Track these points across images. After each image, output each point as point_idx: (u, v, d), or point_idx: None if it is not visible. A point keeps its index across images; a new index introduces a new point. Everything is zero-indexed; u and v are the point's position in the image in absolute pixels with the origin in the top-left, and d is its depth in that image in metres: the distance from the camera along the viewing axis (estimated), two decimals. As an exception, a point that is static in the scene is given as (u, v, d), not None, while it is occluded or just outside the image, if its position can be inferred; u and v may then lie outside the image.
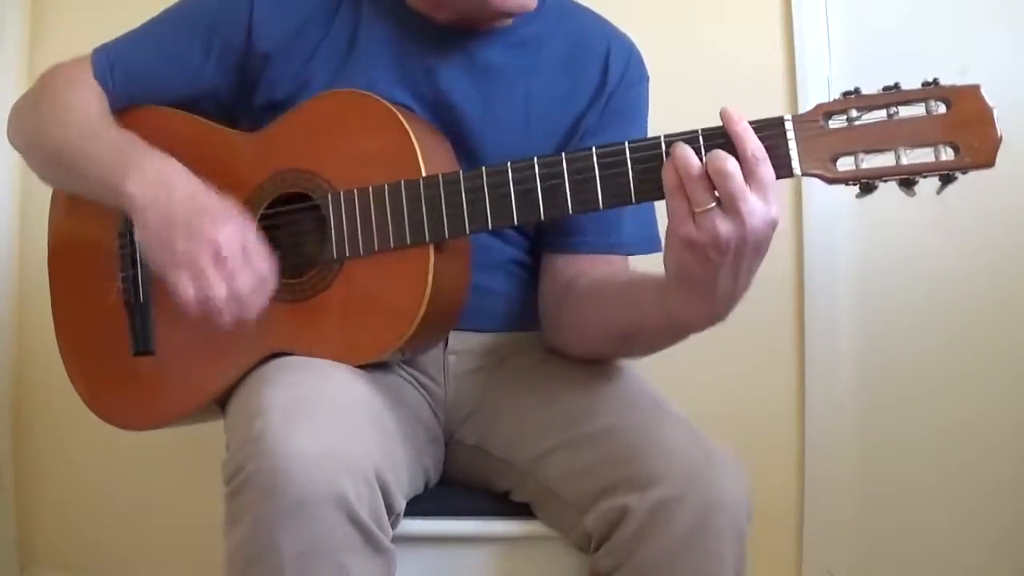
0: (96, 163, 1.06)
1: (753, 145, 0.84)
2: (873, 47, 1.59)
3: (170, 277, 0.96)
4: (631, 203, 0.92)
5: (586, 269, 1.10)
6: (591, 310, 1.06)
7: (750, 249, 0.85)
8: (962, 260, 1.57)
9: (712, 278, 0.86)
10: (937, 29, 1.57)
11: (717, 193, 0.84)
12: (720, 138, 0.86)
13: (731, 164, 0.83)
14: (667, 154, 0.88)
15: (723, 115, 0.86)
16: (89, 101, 1.12)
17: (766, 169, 0.84)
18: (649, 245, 1.15)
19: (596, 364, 1.09)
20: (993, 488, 1.57)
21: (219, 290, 0.94)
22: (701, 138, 0.87)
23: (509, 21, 1.12)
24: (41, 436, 1.82)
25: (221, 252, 0.95)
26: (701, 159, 0.85)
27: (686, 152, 0.86)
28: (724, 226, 0.83)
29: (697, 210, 0.84)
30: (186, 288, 0.95)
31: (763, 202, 0.84)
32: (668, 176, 0.86)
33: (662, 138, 0.89)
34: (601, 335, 1.06)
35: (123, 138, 1.07)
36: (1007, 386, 1.56)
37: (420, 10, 1.11)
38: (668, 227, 0.87)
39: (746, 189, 0.83)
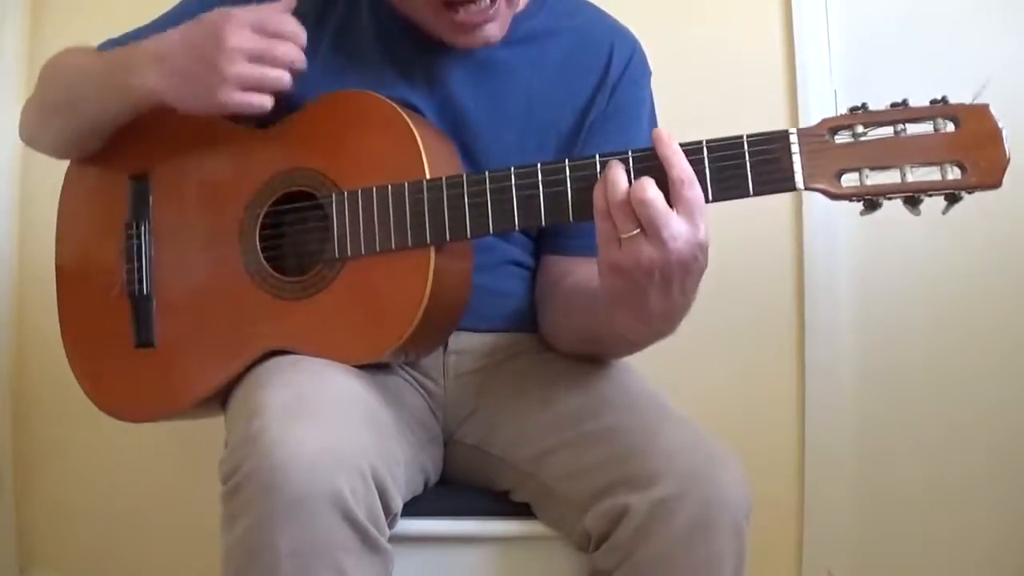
0: (97, 77, 1.09)
1: (679, 169, 0.86)
2: (873, 47, 1.59)
3: (217, 100, 0.99)
4: None
5: (571, 270, 1.10)
6: (564, 312, 1.09)
7: (677, 272, 0.86)
8: (962, 261, 1.57)
9: (642, 299, 0.88)
10: (937, 30, 1.57)
11: (640, 220, 0.85)
12: (652, 159, 0.88)
13: (650, 192, 0.85)
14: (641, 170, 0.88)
15: (654, 137, 0.88)
16: (89, 54, 1.15)
17: (692, 192, 0.85)
18: None
19: (596, 364, 1.09)
20: (993, 488, 1.57)
21: (274, 75, 0.99)
22: (631, 160, 0.89)
23: None
24: (41, 437, 1.82)
25: (243, 47, 0.98)
26: (631, 181, 0.87)
27: (615, 177, 0.87)
28: (647, 251, 0.85)
29: (622, 236, 0.86)
30: (244, 98, 0.99)
31: (688, 225, 0.85)
32: (597, 199, 0.89)
33: (630, 152, 0.90)
34: (571, 337, 1.09)
35: (117, 52, 1.10)
36: (1007, 386, 1.56)
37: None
38: (598, 249, 0.89)
39: (668, 215, 0.84)
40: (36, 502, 1.83)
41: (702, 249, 0.86)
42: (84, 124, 1.13)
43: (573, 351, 1.10)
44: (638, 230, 0.85)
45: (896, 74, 1.53)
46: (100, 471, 1.77)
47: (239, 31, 0.99)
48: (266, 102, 1.01)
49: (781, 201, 1.61)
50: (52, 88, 1.16)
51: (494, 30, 1.06)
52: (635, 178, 0.87)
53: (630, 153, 0.89)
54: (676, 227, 0.84)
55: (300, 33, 1.02)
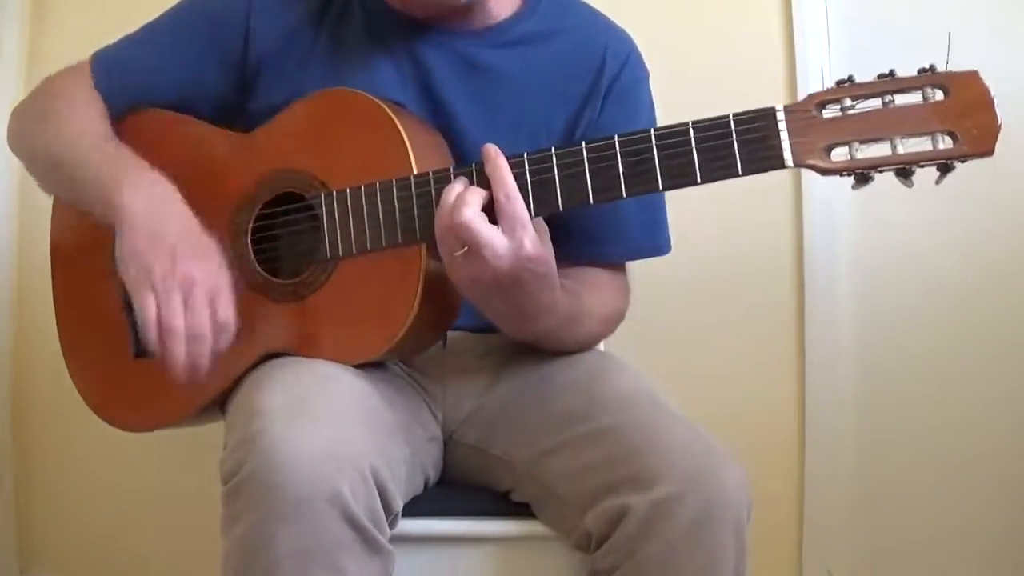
0: (94, 174, 1.06)
1: (501, 186, 0.91)
2: (872, 35, 1.59)
3: (138, 293, 0.97)
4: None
5: None
6: None
7: (508, 281, 0.92)
8: (962, 258, 1.57)
9: (488, 305, 0.97)
10: (937, 17, 1.57)
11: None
12: (482, 173, 0.93)
13: (466, 213, 0.90)
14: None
15: (482, 154, 0.94)
16: (89, 113, 1.13)
17: (514, 207, 0.91)
18: (634, 251, 1.17)
19: (596, 364, 1.09)
20: (993, 488, 1.57)
21: (178, 322, 0.95)
22: (475, 173, 0.95)
23: (499, 19, 1.12)
24: (41, 437, 1.82)
25: (193, 288, 0.96)
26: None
27: (445, 199, 0.93)
28: (473, 268, 0.92)
29: (455, 254, 0.92)
30: (149, 309, 0.96)
31: (509, 239, 0.91)
32: (436, 221, 0.94)
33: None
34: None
35: (122, 153, 1.08)
36: (1007, 385, 1.56)
37: (402, 10, 1.10)
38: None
39: (487, 235, 0.90)
40: (36, 502, 1.82)
41: (530, 261, 0.92)
42: (69, 196, 1.14)
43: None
44: (465, 248, 0.91)
45: (896, 62, 1.53)
46: (100, 471, 1.77)
47: (206, 280, 0.96)
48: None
49: (780, 195, 1.61)
50: (48, 147, 1.13)
51: None
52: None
53: (473, 167, 0.95)
54: (498, 245, 0.90)
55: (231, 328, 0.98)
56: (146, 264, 0.97)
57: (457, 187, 0.94)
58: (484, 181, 0.94)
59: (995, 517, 1.56)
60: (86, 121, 1.12)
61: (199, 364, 0.96)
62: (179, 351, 0.95)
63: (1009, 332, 1.56)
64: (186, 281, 0.96)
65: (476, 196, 0.92)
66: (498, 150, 0.94)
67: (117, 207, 1.01)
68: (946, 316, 1.58)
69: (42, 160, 1.15)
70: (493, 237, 0.90)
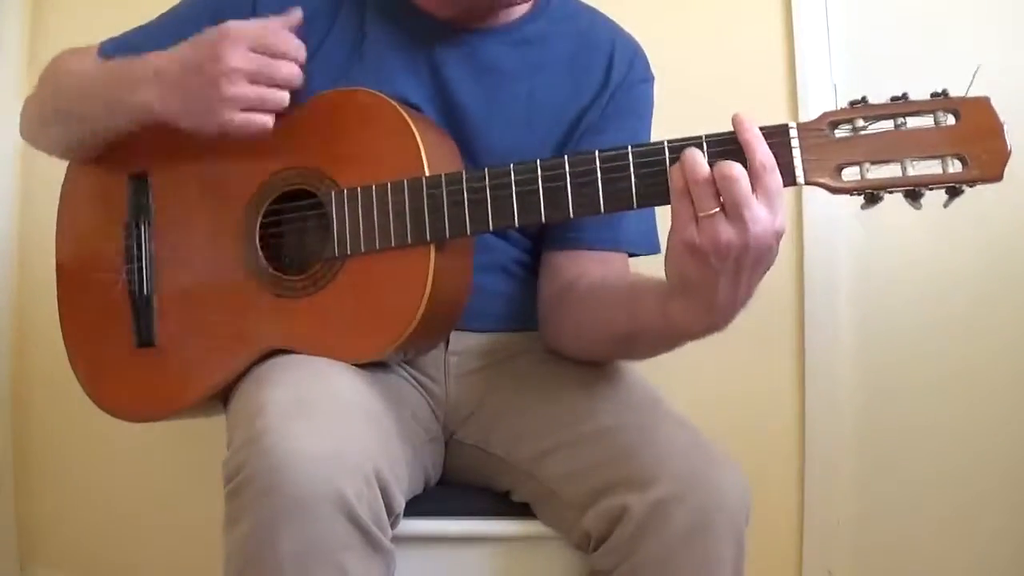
0: (97, 91, 1.08)
1: (762, 153, 0.84)
2: (873, 45, 1.59)
3: (218, 118, 0.99)
4: (632, 207, 0.92)
5: (587, 270, 1.10)
6: (590, 312, 1.06)
7: (751, 258, 0.84)
8: (962, 260, 1.57)
9: (712, 284, 0.86)
10: (938, 27, 1.57)
11: (722, 199, 0.84)
12: (730, 144, 0.86)
13: (738, 170, 0.83)
14: (671, 160, 0.88)
15: (735, 121, 0.86)
16: (90, 60, 1.14)
17: (773, 178, 0.84)
18: (649, 245, 1.15)
19: (596, 365, 1.09)
20: (993, 488, 1.56)
21: (273, 96, 1.00)
22: (705, 144, 0.87)
23: (512, 18, 1.12)
24: (41, 436, 1.82)
25: (248, 71, 0.98)
26: (708, 164, 0.85)
27: (695, 156, 0.85)
28: (727, 232, 0.83)
29: (701, 214, 0.84)
30: (244, 117, 0.99)
31: (768, 211, 0.83)
32: (675, 179, 0.86)
33: (665, 143, 0.89)
34: (599, 337, 1.05)
35: (119, 61, 1.09)
36: (1007, 386, 1.56)
37: (423, 7, 1.11)
38: (671, 231, 0.87)
39: (751, 196, 0.83)
40: (36, 502, 1.83)
41: (778, 237, 0.85)
42: (83, 134, 1.14)
43: (590, 352, 1.08)
44: (718, 209, 0.83)
45: (896, 69, 1.53)
46: (100, 471, 1.77)
47: (238, 50, 0.99)
48: (267, 122, 1.01)
49: (785, 204, 1.61)
50: (52, 96, 1.16)
51: None
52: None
53: (704, 137, 0.88)
54: (758, 210, 0.83)
55: (300, 51, 1.03)
56: (194, 107, 1.01)
57: (697, 149, 0.86)
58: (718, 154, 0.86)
59: (995, 518, 1.56)
60: (84, 63, 1.14)
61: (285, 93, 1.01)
62: (282, 99, 1.01)
63: (1009, 333, 1.56)
64: (233, 71, 0.98)
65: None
66: (750, 118, 0.86)
67: (145, 109, 1.04)
68: (945, 318, 1.58)
69: (49, 114, 1.17)
70: (755, 200, 0.83)
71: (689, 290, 0.88)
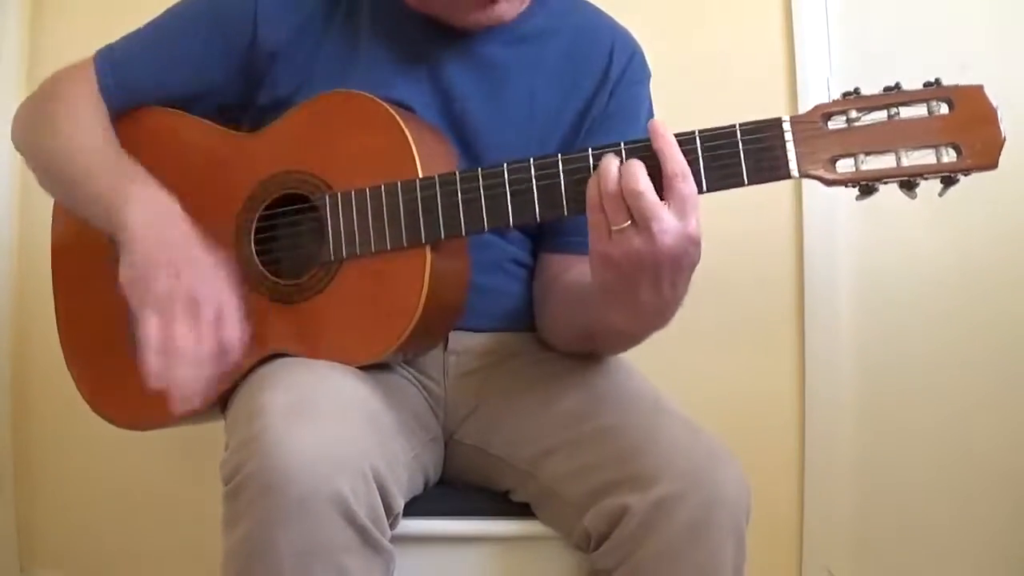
0: (95, 190, 1.06)
1: (673, 162, 0.85)
2: (873, 46, 1.59)
3: (141, 314, 0.95)
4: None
5: (567, 267, 1.10)
6: (561, 308, 1.08)
7: (667, 266, 0.86)
8: (962, 259, 1.57)
9: (633, 291, 0.88)
10: (938, 27, 1.57)
11: (631, 213, 0.85)
12: (646, 151, 0.87)
13: (642, 183, 0.85)
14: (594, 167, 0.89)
15: (650, 129, 0.88)
16: (92, 123, 1.12)
17: (686, 186, 0.85)
18: None
19: (596, 363, 1.09)
20: (992, 487, 1.57)
21: (183, 342, 0.92)
22: (624, 152, 0.89)
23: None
24: (41, 437, 1.82)
25: (198, 308, 0.94)
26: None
27: (608, 168, 0.87)
28: (638, 243, 0.85)
29: (613, 228, 0.86)
30: (150, 330, 0.93)
31: (678, 219, 0.84)
32: (590, 191, 0.88)
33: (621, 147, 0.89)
34: (568, 333, 1.08)
35: (123, 165, 1.07)
36: (1006, 385, 1.56)
37: (417, 8, 1.10)
38: (589, 241, 0.89)
39: (659, 207, 0.84)
40: (36, 502, 1.83)
41: (693, 243, 0.86)
42: (70, 202, 1.13)
43: (570, 348, 1.10)
44: (629, 222, 0.85)
45: (897, 66, 1.53)
46: (100, 471, 1.77)
47: (211, 299, 0.95)
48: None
49: (781, 197, 1.62)
50: (52, 151, 1.13)
51: (507, 8, 1.06)
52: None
53: (623, 145, 0.89)
54: (666, 220, 0.84)
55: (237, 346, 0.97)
56: (149, 284, 0.95)
57: (615, 160, 0.88)
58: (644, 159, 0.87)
59: (995, 517, 1.56)
60: (88, 133, 1.11)
61: (198, 389, 0.93)
62: (180, 375, 0.92)
63: (1009, 332, 1.56)
64: (190, 300, 0.94)
65: (641, 168, 0.86)
66: (666, 125, 0.88)
67: (119, 226, 1.00)
68: (945, 318, 1.58)
69: (44, 168, 1.15)
70: (663, 210, 0.84)
71: (613, 297, 0.90)
